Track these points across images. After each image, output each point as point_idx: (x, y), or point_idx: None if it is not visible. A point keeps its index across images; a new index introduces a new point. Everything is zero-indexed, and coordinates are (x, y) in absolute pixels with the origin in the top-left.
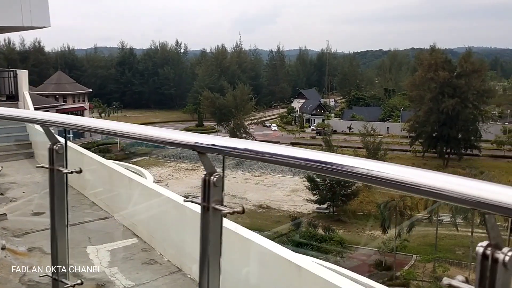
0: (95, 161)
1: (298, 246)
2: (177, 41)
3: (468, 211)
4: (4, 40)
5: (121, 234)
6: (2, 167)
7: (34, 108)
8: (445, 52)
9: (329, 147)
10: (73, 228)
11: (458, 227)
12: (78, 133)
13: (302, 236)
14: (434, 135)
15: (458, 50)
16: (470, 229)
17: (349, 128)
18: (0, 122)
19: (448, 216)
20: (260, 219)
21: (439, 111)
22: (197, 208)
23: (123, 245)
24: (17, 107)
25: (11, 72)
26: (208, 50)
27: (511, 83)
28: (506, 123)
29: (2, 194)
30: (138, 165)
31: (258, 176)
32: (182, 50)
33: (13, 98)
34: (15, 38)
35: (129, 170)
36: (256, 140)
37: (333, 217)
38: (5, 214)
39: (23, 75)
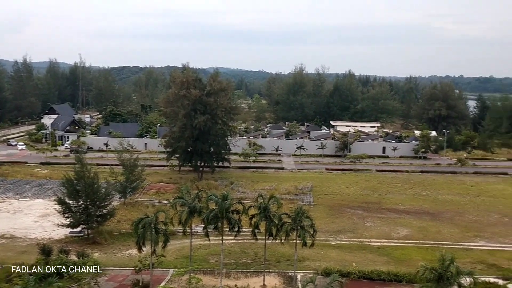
0: None
1: (43, 278)
2: None
3: (218, 220)
4: None
5: None
6: None
7: None
8: (197, 71)
9: (83, 166)
10: None
11: (210, 236)
12: None
13: (53, 265)
14: (189, 149)
15: (209, 70)
16: (221, 238)
17: (106, 145)
18: None
19: (201, 227)
20: (3, 251)
21: (193, 127)
22: None
23: None
24: None
25: None
26: None
27: (254, 101)
28: (251, 137)
29: None
30: None
31: (1, 202)
32: None
33: None
34: None
35: None
36: None
37: (88, 240)
38: None
39: None
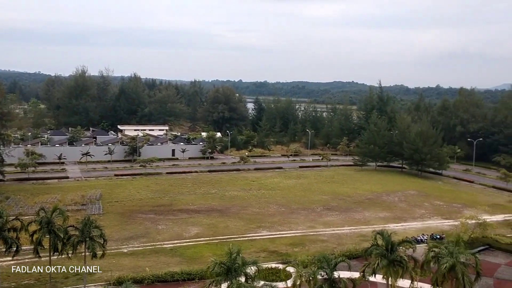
0: None
1: None
2: None
3: None
4: None
5: None
6: None
7: None
8: None
9: None
10: None
11: None
12: None
13: None
14: None
15: None
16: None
17: None
18: None
19: None
20: None
21: None
22: None
23: None
24: None
25: None
26: None
27: (31, 106)
28: (29, 146)
29: None
30: None
31: None
32: None
33: None
34: None
35: None
36: None
37: None
38: None
39: None
